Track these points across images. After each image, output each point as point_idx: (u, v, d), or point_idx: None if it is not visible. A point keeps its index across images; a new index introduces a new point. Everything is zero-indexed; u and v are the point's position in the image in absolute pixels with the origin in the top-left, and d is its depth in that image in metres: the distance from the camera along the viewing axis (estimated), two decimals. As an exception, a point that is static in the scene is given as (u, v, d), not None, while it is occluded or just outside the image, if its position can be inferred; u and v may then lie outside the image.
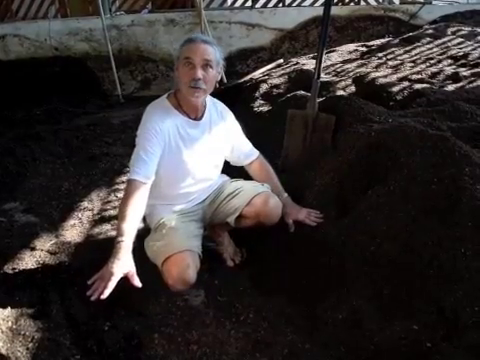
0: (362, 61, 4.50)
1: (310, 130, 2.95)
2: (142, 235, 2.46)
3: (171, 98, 2.30)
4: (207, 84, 2.19)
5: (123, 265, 1.90)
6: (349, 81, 3.88)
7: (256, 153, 2.61)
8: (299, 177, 2.80)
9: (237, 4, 7.23)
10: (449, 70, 3.95)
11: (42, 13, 6.94)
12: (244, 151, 2.58)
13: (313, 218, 2.47)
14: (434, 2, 7.11)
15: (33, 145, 4.05)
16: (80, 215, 3.03)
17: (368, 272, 2.10)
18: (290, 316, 2.06)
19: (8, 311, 2.03)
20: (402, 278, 2.00)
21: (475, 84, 3.57)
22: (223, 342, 1.91)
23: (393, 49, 4.69)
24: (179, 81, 2.21)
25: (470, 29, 5.20)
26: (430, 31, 5.14)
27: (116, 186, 3.42)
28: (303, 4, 7.03)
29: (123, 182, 3.47)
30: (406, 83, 3.62)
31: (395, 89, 3.51)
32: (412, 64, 4.19)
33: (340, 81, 3.88)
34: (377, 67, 4.15)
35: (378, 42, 5.23)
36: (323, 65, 3.35)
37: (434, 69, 4.00)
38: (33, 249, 2.60)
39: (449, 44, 4.70)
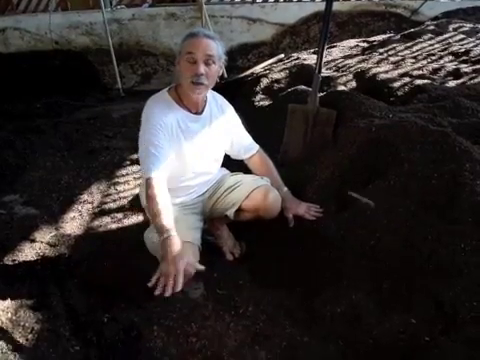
0: (363, 57, 4.49)
1: (311, 125, 2.95)
2: (142, 227, 2.47)
3: (172, 92, 2.29)
4: (209, 79, 2.17)
5: (181, 258, 1.87)
6: (350, 76, 3.88)
7: (256, 147, 2.61)
8: (299, 171, 2.81)
9: (238, -1, 7.22)
10: (450, 66, 3.95)
11: (43, 6, 6.91)
12: (244, 145, 2.58)
13: (313, 212, 2.48)
14: (436, -2, 7.09)
15: (33, 138, 4.04)
16: (80, 208, 3.03)
17: (367, 266, 2.11)
18: (289, 309, 2.06)
19: (8, 302, 2.04)
20: (401, 273, 2.01)
21: (476, 80, 3.57)
22: (222, 335, 1.91)
23: (394, 45, 4.68)
24: (180, 75, 2.19)
25: (472, 25, 5.19)
26: (432, 27, 5.13)
27: (116, 179, 3.42)
28: (304, -1, 7.02)
29: (123, 175, 3.47)
30: (407, 79, 3.62)
31: (396, 85, 3.51)
32: (413, 60, 4.18)
33: (341, 76, 3.88)
34: (378, 63, 4.14)
35: (379, 38, 5.22)
36: (324, 60, 3.34)
37: (435, 65, 4.00)
38: (33, 241, 2.61)
39: (450, 40, 4.70)
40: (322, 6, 3.09)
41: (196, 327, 1.95)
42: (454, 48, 4.45)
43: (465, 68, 3.84)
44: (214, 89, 2.38)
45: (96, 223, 2.88)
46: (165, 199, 2.04)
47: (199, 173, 2.41)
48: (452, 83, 3.55)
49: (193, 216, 2.35)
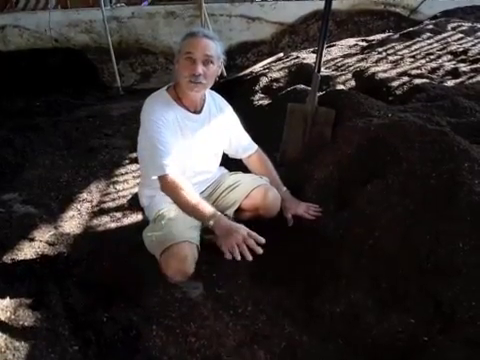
0: (362, 56, 4.49)
1: (310, 124, 2.95)
2: (141, 226, 2.47)
3: (170, 91, 2.30)
4: (207, 79, 2.19)
5: (240, 226, 2.00)
6: (349, 75, 3.88)
7: (255, 147, 2.62)
8: (298, 171, 2.81)
9: (237, -3, 7.21)
10: (449, 65, 3.95)
11: (42, 4, 6.91)
12: (243, 145, 2.59)
13: (312, 212, 2.48)
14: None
15: (32, 136, 4.04)
16: (79, 206, 3.03)
17: (366, 266, 2.11)
18: (288, 309, 2.06)
19: (7, 301, 2.03)
20: (400, 272, 2.01)
21: (475, 80, 3.57)
22: (221, 334, 1.91)
23: (393, 44, 4.68)
24: (179, 74, 2.20)
25: (470, 25, 5.20)
26: (430, 26, 5.13)
27: (115, 178, 3.42)
28: (303, -2, 7.02)
29: (122, 174, 3.47)
30: (406, 78, 3.62)
31: (395, 84, 3.51)
32: (412, 59, 4.19)
33: (340, 75, 3.88)
34: (377, 62, 4.15)
35: (378, 37, 5.22)
36: (323, 59, 3.34)
37: (434, 64, 4.01)
38: (32, 240, 2.60)
39: (449, 39, 4.70)
40: (321, 5, 3.09)
41: (195, 326, 1.94)
42: (453, 47, 4.45)
43: (464, 67, 3.85)
44: (213, 88, 2.38)
45: (95, 222, 2.87)
46: (190, 188, 2.11)
47: (198, 172, 2.41)
48: (451, 82, 3.56)
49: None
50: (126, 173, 3.50)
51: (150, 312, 2.03)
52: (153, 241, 2.19)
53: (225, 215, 2.40)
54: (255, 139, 2.63)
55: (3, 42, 6.39)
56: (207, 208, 2.05)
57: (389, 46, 4.63)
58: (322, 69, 3.34)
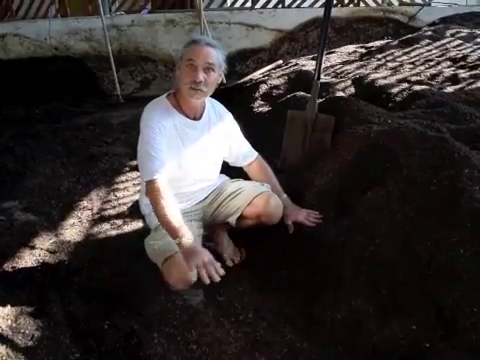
0: (361, 62, 4.50)
1: (310, 131, 2.95)
2: (141, 234, 2.47)
3: (170, 98, 2.30)
4: (208, 87, 2.20)
5: (205, 251, 2.02)
6: (348, 82, 3.88)
7: (255, 154, 2.62)
8: (298, 178, 2.81)
9: (237, 5, 7.22)
10: (448, 72, 3.96)
11: (42, 13, 6.94)
12: (243, 152, 2.59)
13: (312, 219, 2.48)
14: (433, 4, 7.11)
15: (32, 144, 4.05)
16: (79, 214, 3.03)
17: (367, 272, 2.11)
18: (289, 316, 2.07)
19: (8, 309, 2.03)
20: (401, 278, 2.01)
21: (474, 86, 3.57)
22: (222, 342, 1.91)
23: (392, 51, 4.68)
24: (180, 81, 2.21)
25: (469, 31, 5.21)
26: (429, 33, 5.14)
27: (115, 186, 3.42)
28: (303, 5, 7.03)
29: (122, 182, 3.47)
30: (405, 85, 3.63)
31: (394, 90, 3.52)
32: (411, 66, 4.19)
33: (340, 82, 3.88)
34: (376, 68, 4.15)
35: (377, 44, 5.22)
36: (323, 66, 3.35)
37: (433, 71, 4.01)
38: (33, 248, 2.61)
39: (448, 46, 4.70)
40: (320, 12, 3.10)
41: (196, 334, 1.95)
42: (452, 53, 4.46)
43: (463, 73, 3.85)
44: (213, 95, 2.38)
45: (96, 230, 2.88)
46: (172, 200, 2.07)
47: (198, 179, 2.41)
48: (450, 89, 3.56)
49: (193, 223, 2.35)
50: (126, 180, 3.50)
51: (151, 320, 2.04)
52: (155, 250, 2.20)
53: (227, 223, 2.41)
54: (255, 146, 2.64)
55: (3, 50, 6.41)
56: (180, 225, 2.01)
57: (388, 53, 4.64)
58: (322, 76, 3.35)
